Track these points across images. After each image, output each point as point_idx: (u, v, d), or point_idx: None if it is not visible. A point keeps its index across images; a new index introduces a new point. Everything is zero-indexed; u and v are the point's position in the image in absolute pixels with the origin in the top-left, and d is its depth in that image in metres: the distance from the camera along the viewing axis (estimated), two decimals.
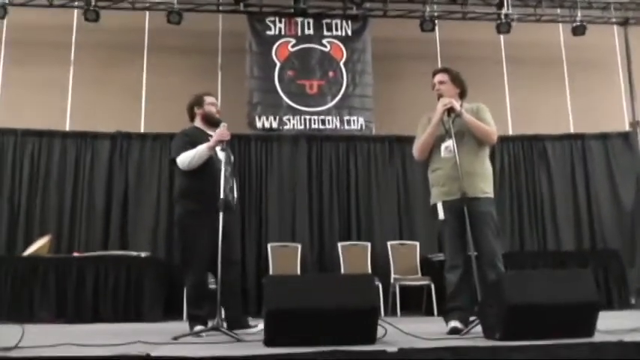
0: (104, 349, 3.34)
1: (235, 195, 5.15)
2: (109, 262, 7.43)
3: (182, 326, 5.54)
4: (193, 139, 4.82)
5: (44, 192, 8.69)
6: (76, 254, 7.84)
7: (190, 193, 4.69)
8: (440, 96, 4.66)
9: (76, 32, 9.43)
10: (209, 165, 4.72)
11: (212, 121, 4.96)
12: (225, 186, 4.64)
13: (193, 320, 4.61)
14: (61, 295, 7.17)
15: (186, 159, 4.69)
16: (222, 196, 4.52)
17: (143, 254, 7.75)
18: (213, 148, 4.65)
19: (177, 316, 7.55)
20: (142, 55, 9.54)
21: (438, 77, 4.77)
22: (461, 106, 4.60)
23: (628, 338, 3.42)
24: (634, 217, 9.62)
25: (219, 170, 4.65)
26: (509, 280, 3.73)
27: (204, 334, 4.25)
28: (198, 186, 4.62)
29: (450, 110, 4.54)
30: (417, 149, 4.73)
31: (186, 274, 4.73)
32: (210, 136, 4.84)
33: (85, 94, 9.28)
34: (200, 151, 4.65)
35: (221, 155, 4.76)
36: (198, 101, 5.07)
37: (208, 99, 5.09)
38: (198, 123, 5.03)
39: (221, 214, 4.42)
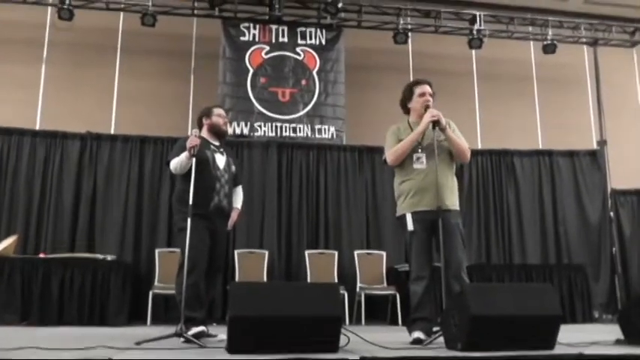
0: (68, 353, 3.32)
1: (232, 202, 5.30)
2: (75, 265, 7.32)
3: (146, 331, 5.52)
4: None
5: (12, 191, 8.51)
6: (42, 255, 7.72)
7: (185, 196, 4.79)
8: (427, 107, 4.68)
9: (50, 30, 9.32)
10: (205, 170, 4.94)
11: (217, 132, 5.29)
12: (220, 191, 4.99)
13: (190, 322, 4.59)
14: (26, 297, 7.06)
15: (172, 165, 4.96)
16: (215, 201, 4.94)
17: (109, 257, 7.68)
18: (190, 157, 4.79)
19: (142, 322, 7.49)
20: (115, 56, 9.46)
21: (429, 89, 4.81)
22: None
23: (588, 351, 3.49)
24: (600, 234, 9.80)
25: (216, 177, 5.00)
26: (473, 292, 3.78)
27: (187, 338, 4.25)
28: (193, 190, 4.70)
29: (436, 123, 4.56)
30: (394, 154, 4.66)
31: (184, 276, 4.66)
32: (214, 145, 5.18)
33: (57, 93, 9.18)
34: (180, 159, 4.88)
35: (220, 162, 5.08)
36: (207, 112, 5.36)
37: (217, 110, 5.40)
38: (204, 133, 5.27)
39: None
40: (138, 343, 4.00)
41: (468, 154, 4.74)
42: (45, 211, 8.52)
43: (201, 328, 4.65)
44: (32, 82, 9.15)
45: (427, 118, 4.57)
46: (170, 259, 7.76)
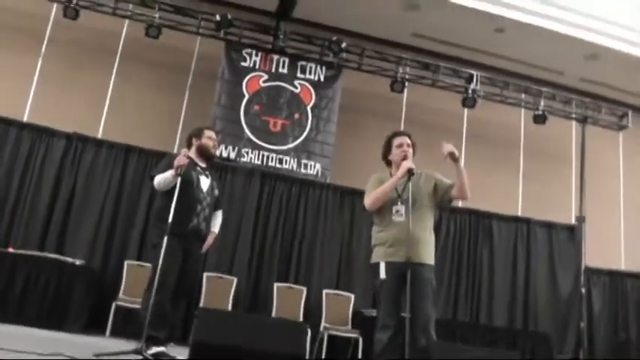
0: (27, 356, 3.26)
1: (210, 225, 5.29)
2: (43, 264, 7.20)
3: (105, 343, 5.45)
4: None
5: None
6: (11, 250, 7.58)
7: (165, 214, 4.76)
8: (405, 157, 4.72)
9: (52, 25, 9.28)
10: (188, 191, 4.94)
11: (205, 153, 5.31)
12: (200, 214, 4.99)
13: (151, 341, 4.53)
14: None
15: (157, 180, 4.93)
16: (194, 223, 4.95)
17: (78, 262, 7.52)
18: (176, 176, 4.78)
19: (99, 331, 7.36)
20: (114, 61, 9.43)
21: (409, 140, 4.85)
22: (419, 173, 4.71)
23: None
24: (569, 308, 9.88)
25: (198, 199, 5.00)
26: (438, 349, 3.78)
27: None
28: (173, 209, 4.67)
29: (410, 173, 4.60)
30: (372, 197, 4.67)
31: (153, 293, 4.58)
32: (200, 167, 5.20)
33: (50, 88, 9.10)
34: (165, 175, 4.87)
35: (204, 185, 5.08)
36: (197, 133, 5.38)
37: (207, 132, 5.41)
38: (192, 153, 5.26)
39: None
40: (97, 355, 3.95)
41: (469, 192, 4.76)
42: (20, 205, 8.36)
43: (161, 348, 4.60)
44: (27, 73, 9.07)
45: (404, 166, 4.63)
46: (138, 273, 7.68)
